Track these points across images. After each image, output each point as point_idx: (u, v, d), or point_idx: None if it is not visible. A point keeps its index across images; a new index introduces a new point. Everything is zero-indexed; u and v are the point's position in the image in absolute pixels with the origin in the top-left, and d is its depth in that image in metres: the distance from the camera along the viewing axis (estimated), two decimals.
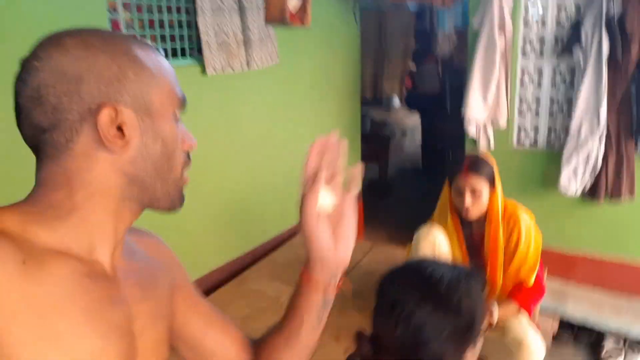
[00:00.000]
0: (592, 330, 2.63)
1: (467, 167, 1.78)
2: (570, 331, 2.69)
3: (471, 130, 2.88)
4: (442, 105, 5.24)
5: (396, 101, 7.08)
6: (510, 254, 1.81)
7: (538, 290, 1.83)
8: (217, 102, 2.38)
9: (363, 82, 4.38)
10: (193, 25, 2.27)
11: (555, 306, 2.63)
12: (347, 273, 0.76)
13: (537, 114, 2.84)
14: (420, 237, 1.92)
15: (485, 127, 2.88)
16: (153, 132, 0.60)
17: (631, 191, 2.55)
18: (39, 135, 0.57)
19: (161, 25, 2.17)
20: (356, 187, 0.70)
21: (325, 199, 0.68)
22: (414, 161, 5.93)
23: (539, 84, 2.79)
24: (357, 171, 0.70)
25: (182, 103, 0.64)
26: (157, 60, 0.62)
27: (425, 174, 5.48)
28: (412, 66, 6.55)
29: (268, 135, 2.77)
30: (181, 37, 2.26)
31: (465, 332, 0.82)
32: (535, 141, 2.87)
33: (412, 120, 6.61)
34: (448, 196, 1.89)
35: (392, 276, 0.90)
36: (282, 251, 2.85)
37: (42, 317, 0.51)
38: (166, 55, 2.16)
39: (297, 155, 3.02)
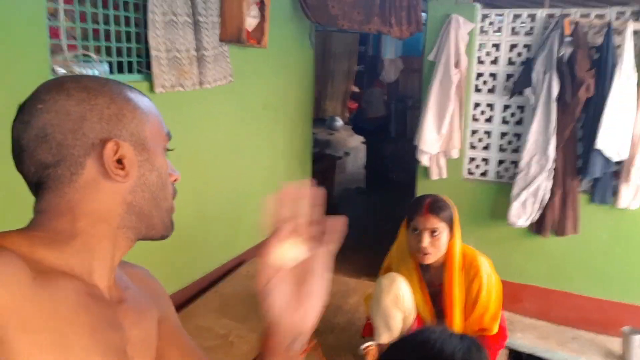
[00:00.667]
0: None
1: (427, 208, 1.71)
2: None
3: (424, 160, 2.88)
4: (387, 129, 5.30)
5: (339, 122, 7.11)
6: (471, 303, 1.77)
7: (501, 336, 1.81)
8: (164, 121, 2.20)
9: None
10: (142, 39, 2.08)
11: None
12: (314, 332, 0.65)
13: (487, 147, 2.89)
14: (382, 289, 1.82)
15: (437, 157, 2.89)
16: (149, 164, 0.65)
17: (575, 227, 2.65)
18: (42, 171, 0.62)
19: (107, 37, 1.96)
20: (334, 241, 0.61)
21: (290, 251, 0.59)
22: (357, 181, 5.94)
23: (491, 119, 2.85)
24: (338, 224, 0.62)
25: (168, 139, 0.70)
26: (146, 101, 0.68)
27: (369, 194, 5.50)
28: (355, 88, 6.62)
29: (216, 157, 2.61)
30: (128, 51, 2.06)
31: None
32: (485, 172, 2.92)
33: (355, 140, 6.64)
34: (406, 238, 1.82)
35: (397, 353, 0.79)
36: (229, 282, 2.67)
37: (51, 329, 0.53)
38: (111, 70, 1.95)
39: (246, 178, 2.90)
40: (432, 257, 1.73)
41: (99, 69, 1.78)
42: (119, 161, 0.63)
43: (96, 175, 0.62)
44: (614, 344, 2.56)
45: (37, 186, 0.63)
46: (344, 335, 2.22)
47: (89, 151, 0.61)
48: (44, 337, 0.53)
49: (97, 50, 1.91)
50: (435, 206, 1.71)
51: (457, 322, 1.77)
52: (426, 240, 1.70)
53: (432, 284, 1.83)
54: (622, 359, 2.46)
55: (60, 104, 0.61)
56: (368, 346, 1.83)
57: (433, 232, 1.70)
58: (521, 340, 2.66)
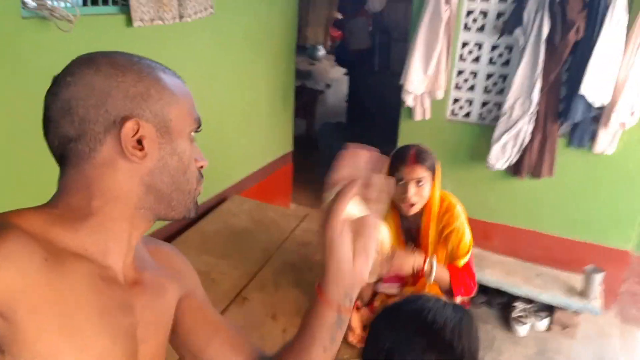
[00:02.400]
0: (502, 294, 2.85)
1: (413, 158, 1.72)
2: (484, 295, 2.90)
3: (408, 100, 2.85)
4: (371, 61, 5.17)
5: (321, 51, 6.89)
6: (441, 243, 1.83)
7: (469, 274, 1.84)
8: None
9: None
10: None
11: None
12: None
13: (473, 88, 2.87)
14: None
15: (422, 97, 2.86)
16: (171, 148, 0.64)
17: (550, 170, 2.71)
18: (65, 145, 0.61)
19: None
20: (382, 201, 0.67)
21: (352, 208, 0.64)
22: (338, 115, 5.89)
23: (478, 59, 2.80)
24: (387, 184, 0.67)
25: (198, 125, 0.69)
26: (177, 84, 0.67)
27: (350, 129, 5.48)
28: (338, 14, 6.35)
29: (196, 93, 2.52)
30: None
31: None
32: (469, 114, 2.92)
33: (337, 72, 6.50)
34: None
35: (388, 320, 0.82)
36: (210, 219, 2.69)
37: (61, 311, 0.54)
38: (84, 2, 1.82)
39: (227, 114, 2.84)
40: (417, 207, 1.76)
41: (70, 1, 1.65)
42: (139, 141, 0.62)
43: (114, 153, 0.61)
44: (576, 281, 2.74)
45: (60, 160, 0.63)
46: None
47: (109, 128, 0.61)
48: (52, 320, 0.53)
49: None
50: (421, 156, 1.73)
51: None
52: (412, 190, 1.72)
53: (410, 230, 1.89)
54: (582, 295, 2.64)
55: (88, 79, 0.60)
56: None
57: (419, 181, 1.72)
58: (489, 276, 2.81)
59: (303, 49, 6.53)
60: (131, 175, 0.63)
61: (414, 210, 1.77)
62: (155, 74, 0.64)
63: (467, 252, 1.84)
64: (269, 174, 3.35)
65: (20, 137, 1.62)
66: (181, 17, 2.12)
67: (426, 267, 1.75)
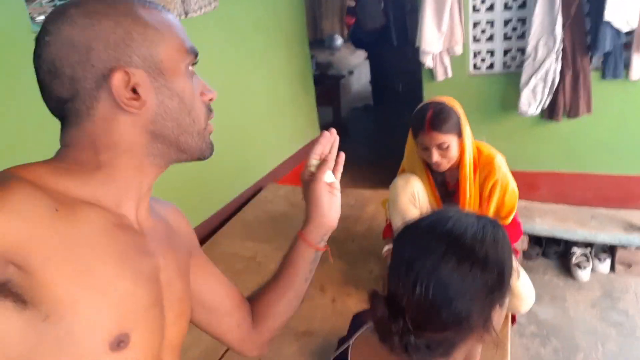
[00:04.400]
0: (558, 243, 2.74)
1: (429, 125, 1.64)
2: (538, 246, 2.80)
3: (427, 61, 2.80)
4: (388, 38, 5.11)
5: (339, 40, 6.87)
6: (485, 199, 1.76)
7: (515, 229, 1.79)
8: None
9: None
10: None
11: (522, 225, 2.71)
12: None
13: (492, 37, 2.78)
14: (398, 188, 1.83)
15: (441, 56, 2.81)
16: (168, 90, 0.62)
17: (588, 107, 2.59)
18: (62, 106, 0.61)
19: None
20: (340, 172, 0.89)
21: (328, 175, 0.86)
22: (364, 99, 5.85)
23: (492, 7, 2.72)
24: (341, 160, 0.88)
25: (193, 56, 0.65)
26: (161, 18, 0.62)
27: (378, 109, 5.44)
28: (351, 2, 6.31)
29: (217, 87, 2.58)
30: None
31: (493, 289, 0.74)
32: (492, 65, 2.84)
33: (357, 58, 6.46)
34: (414, 147, 1.78)
35: (408, 233, 0.81)
36: (250, 208, 2.74)
37: (76, 258, 0.53)
38: None
39: (249, 104, 2.88)
40: (446, 165, 1.71)
41: None
42: (135, 90, 0.60)
43: (112, 107, 0.60)
44: (634, 217, 2.59)
45: (61, 119, 0.63)
46: (365, 242, 2.29)
47: (100, 83, 0.59)
48: (68, 266, 0.53)
49: None
50: (437, 121, 1.63)
51: None
52: (435, 155, 1.67)
53: (447, 185, 1.84)
54: None
55: (65, 35, 0.58)
56: (390, 248, 1.89)
57: (440, 146, 1.66)
58: (541, 226, 2.71)
59: (321, 42, 6.54)
60: (134, 126, 0.61)
61: (444, 168, 1.72)
62: (134, 13, 0.60)
63: (514, 206, 1.78)
64: (301, 160, 3.37)
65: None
66: (186, 13, 2.18)
67: None
